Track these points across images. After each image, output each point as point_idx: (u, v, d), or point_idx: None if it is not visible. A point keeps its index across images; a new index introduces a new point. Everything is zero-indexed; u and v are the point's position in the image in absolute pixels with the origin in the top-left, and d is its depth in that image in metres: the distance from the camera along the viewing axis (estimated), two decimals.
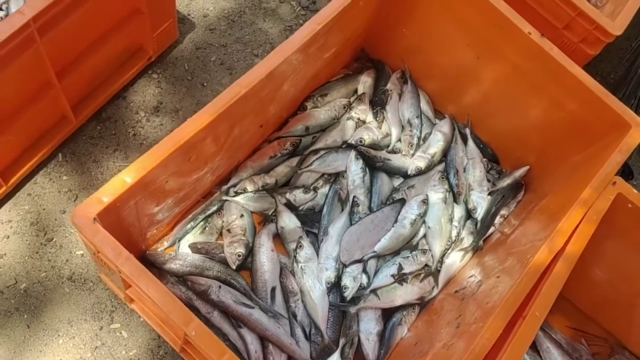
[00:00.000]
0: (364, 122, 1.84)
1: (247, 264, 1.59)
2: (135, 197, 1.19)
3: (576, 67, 1.51)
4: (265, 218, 1.68)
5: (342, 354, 1.49)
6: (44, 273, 1.53)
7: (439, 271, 1.67)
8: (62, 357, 1.45)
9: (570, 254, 1.28)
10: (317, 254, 1.60)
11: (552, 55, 1.50)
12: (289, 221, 1.64)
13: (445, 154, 1.82)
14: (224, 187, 1.66)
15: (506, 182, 1.78)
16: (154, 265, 1.52)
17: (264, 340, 1.48)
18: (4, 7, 1.42)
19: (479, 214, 1.74)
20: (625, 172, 1.90)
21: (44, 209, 1.59)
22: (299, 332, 1.52)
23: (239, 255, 1.54)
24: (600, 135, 1.53)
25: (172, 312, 1.06)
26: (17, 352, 1.43)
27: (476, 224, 1.73)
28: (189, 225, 1.60)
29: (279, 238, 1.65)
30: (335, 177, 1.75)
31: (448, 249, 1.69)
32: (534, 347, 1.64)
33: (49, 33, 1.29)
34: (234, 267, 1.54)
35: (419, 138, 1.83)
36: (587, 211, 1.34)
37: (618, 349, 1.71)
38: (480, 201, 1.75)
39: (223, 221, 1.63)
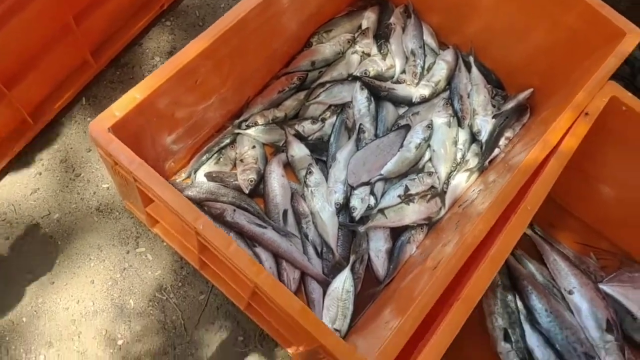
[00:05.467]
0: (368, 55, 1.89)
1: (259, 190, 1.67)
2: (145, 114, 1.28)
3: None
4: (276, 149, 1.76)
5: (352, 269, 1.55)
6: (74, 205, 1.66)
7: (445, 192, 1.72)
8: (94, 278, 1.58)
9: (563, 152, 1.31)
10: (326, 180, 1.68)
11: None
12: (298, 150, 1.71)
13: (450, 81, 1.86)
14: (236, 121, 1.74)
15: (510, 105, 1.80)
16: None
17: (277, 257, 1.57)
18: None
19: (483, 136, 1.77)
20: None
21: (71, 148, 1.72)
22: (311, 250, 1.60)
23: (251, 181, 1.63)
24: (598, 46, 1.54)
25: (183, 210, 1.15)
26: (54, 273, 1.57)
27: (481, 147, 1.78)
28: (204, 157, 1.69)
29: (289, 167, 1.73)
30: (342, 108, 1.81)
31: (454, 171, 1.74)
32: (541, 260, 1.68)
33: None
34: (246, 192, 1.62)
35: (422, 68, 1.87)
36: (580, 112, 1.37)
37: (627, 261, 1.73)
38: (484, 124, 1.78)
39: (236, 153, 1.72)
